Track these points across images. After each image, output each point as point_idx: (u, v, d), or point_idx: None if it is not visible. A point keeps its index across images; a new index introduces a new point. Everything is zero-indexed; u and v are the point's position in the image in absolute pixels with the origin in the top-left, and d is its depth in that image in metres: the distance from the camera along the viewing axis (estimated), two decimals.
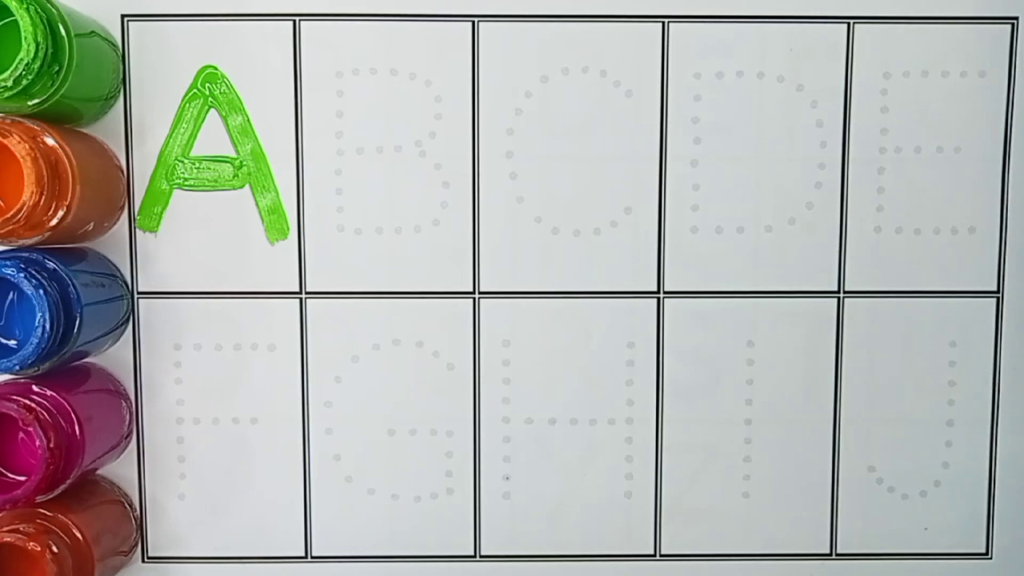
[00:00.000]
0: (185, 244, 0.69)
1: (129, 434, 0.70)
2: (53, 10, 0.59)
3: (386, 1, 0.68)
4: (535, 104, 0.69)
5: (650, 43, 0.69)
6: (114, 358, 0.71)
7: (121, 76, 0.68)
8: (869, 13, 0.69)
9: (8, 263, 0.60)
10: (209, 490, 0.72)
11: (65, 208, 0.61)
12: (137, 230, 0.70)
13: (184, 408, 0.71)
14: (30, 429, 0.60)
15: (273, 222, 0.69)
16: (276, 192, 0.69)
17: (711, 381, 0.71)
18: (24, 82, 0.58)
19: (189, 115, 0.69)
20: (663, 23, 0.69)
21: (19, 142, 0.58)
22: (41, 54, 0.57)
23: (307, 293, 0.70)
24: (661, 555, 0.72)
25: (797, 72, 0.70)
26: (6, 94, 0.58)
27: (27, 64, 0.57)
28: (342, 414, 0.71)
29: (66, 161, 0.61)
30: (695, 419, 0.72)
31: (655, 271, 0.70)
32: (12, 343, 0.63)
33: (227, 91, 0.69)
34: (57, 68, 0.59)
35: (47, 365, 0.63)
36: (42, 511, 0.64)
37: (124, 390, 0.70)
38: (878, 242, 0.71)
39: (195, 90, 0.69)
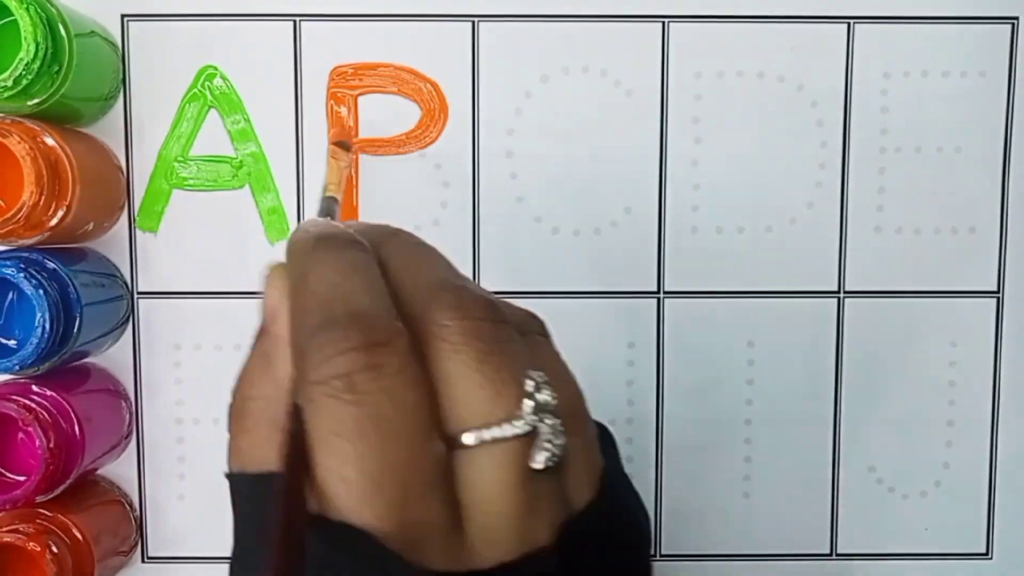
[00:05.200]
0: (185, 244, 0.70)
1: (129, 434, 0.71)
2: (53, 10, 0.59)
3: (386, 1, 0.69)
4: (535, 104, 0.69)
5: (650, 43, 0.69)
6: (114, 358, 0.71)
7: (121, 76, 0.68)
8: (869, 13, 0.69)
9: (8, 263, 0.60)
10: (209, 490, 0.71)
11: (65, 208, 0.61)
12: (137, 230, 0.70)
13: (184, 408, 0.71)
14: (30, 429, 0.61)
15: (273, 222, 0.69)
16: (276, 192, 0.69)
17: (711, 381, 0.71)
18: (24, 82, 0.58)
19: (189, 115, 0.69)
20: (663, 23, 0.69)
21: (19, 142, 0.58)
22: (41, 54, 0.57)
23: None
24: (661, 555, 0.72)
25: (797, 72, 0.70)
26: (6, 94, 0.58)
27: (27, 64, 0.57)
28: None
29: (66, 161, 0.61)
30: (695, 419, 0.71)
31: (655, 271, 0.70)
32: (12, 343, 0.63)
33: (227, 91, 0.69)
34: (57, 68, 0.60)
35: (47, 365, 0.63)
36: (42, 511, 0.64)
37: (124, 390, 0.70)
38: (878, 242, 0.71)
39: (195, 90, 0.69)
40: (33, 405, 0.62)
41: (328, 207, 0.56)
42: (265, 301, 0.39)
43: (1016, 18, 0.69)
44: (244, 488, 0.39)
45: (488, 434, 0.34)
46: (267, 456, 0.37)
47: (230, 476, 0.39)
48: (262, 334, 0.39)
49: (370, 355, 0.33)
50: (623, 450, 0.70)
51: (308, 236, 0.40)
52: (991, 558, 0.73)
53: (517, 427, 0.34)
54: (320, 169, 0.69)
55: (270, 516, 0.34)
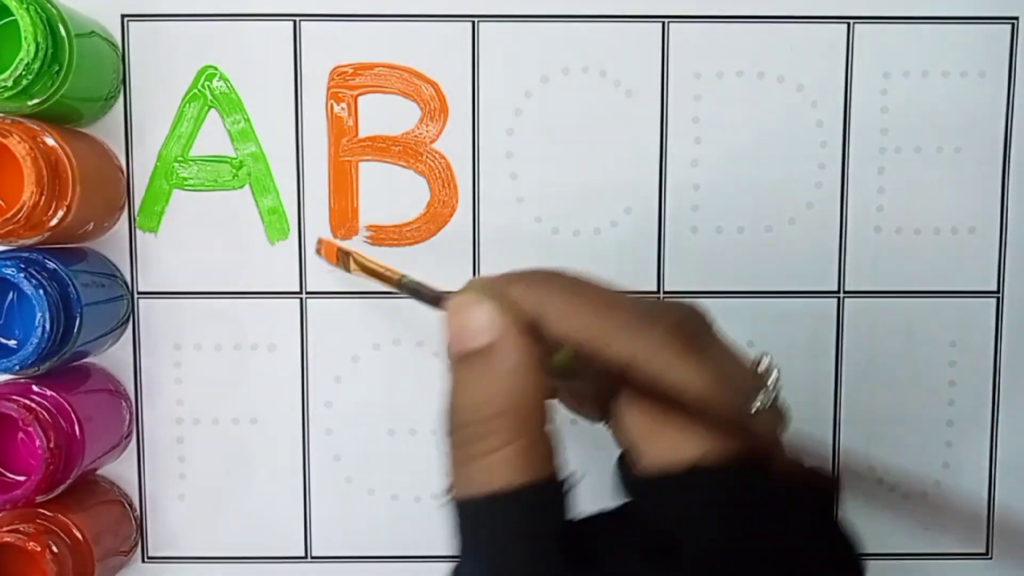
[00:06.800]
0: (185, 244, 0.69)
1: (129, 434, 0.70)
2: (53, 10, 0.59)
3: (386, 1, 0.68)
4: (535, 104, 0.69)
5: (650, 43, 0.69)
6: (114, 358, 0.70)
7: (121, 76, 0.68)
8: (869, 13, 0.69)
9: (8, 263, 0.60)
10: (209, 490, 0.71)
11: (65, 208, 0.61)
12: (137, 230, 0.69)
13: (184, 408, 0.71)
14: (30, 429, 0.60)
15: (273, 222, 0.69)
16: (276, 192, 0.69)
17: None
18: (24, 82, 0.58)
19: (189, 115, 0.68)
20: (663, 23, 0.69)
21: (19, 142, 0.58)
22: (41, 54, 0.57)
23: (307, 293, 0.70)
24: None
25: (797, 72, 0.70)
26: (6, 94, 0.58)
27: (27, 64, 0.57)
28: (342, 414, 0.71)
29: (66, 161, 0.61)
30: None
31: (655, 271, 0.70)
32: (12, 343, 0.62)
33: (227, 91, 0.69)
34: (57, 68, 0.59)
35: (47, 365, 0.63)
36: (42, 511, 0.64)
37: (124, 390, 0.70)
38: (878, 242, 0.71)
39: (195, 90, 0.68)
40: (33, 405, 0.62)
41: (413, 286, 0.57)
42: (468, 326, 0.44)
43: (1016, 18, 0.69)
44: (503, 507, 0.42)
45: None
46: (521, 470, 0.42)
47: (474, 500, 0.42)
48: (468, 357, 0.44)
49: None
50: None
51: (496, 276, 0.47)
52: (991, 558, 0.73)
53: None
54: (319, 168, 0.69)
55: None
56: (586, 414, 0.53)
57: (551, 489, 0.43)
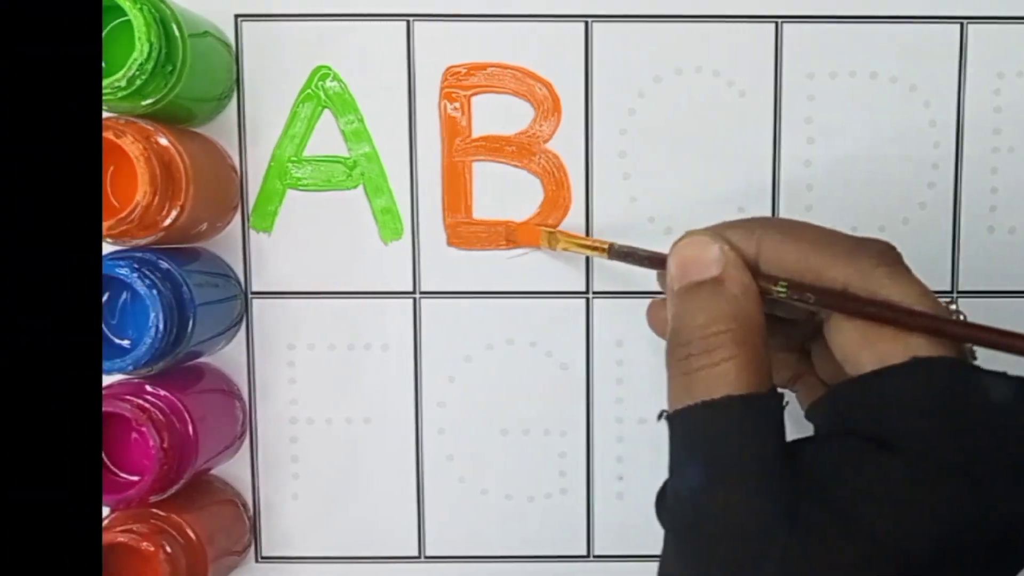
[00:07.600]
0: (299, 244, 0.65)
1: (242, 434, 0.66)
2: (167, 10, 0.54)
3: (499, 1, 0.64)
4: (648, 104, 0.64)
5: (763, 43, 0.64)
6: (227, 358, 0.66)
7: (234, 76, 0.64)
8: (982, 13, 0.64)
9: (122, 263, 0.56)
10: (322, 490, 0.67)
11: (178, 208, 0.57)
12: (251, 230, 0.65)
13: (297, 408, 0.67)
14: (143, 429, 0.57)
15: (387, 222, 0.65)
16: (390, 192, 0.65)
17: None
18: (137, 82, 0.53)
19: (303, 115, 0.64)
20: (776, 23, 0.64)
21: (133, 142, 0.53)
22: (154, 54, 0.53)
23: (421, 293, 0.65)
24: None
25: (910, 72, 0.64)
26: (120, 94, 0.53)
27: (140, 64, 0.52)
28: (455, 414, 0.67)
29: (179, 161, 0.56)
30: None
31: None
32: (126, 343, 0.58)
33: (341, 91, 0.64)
34: (170, 68, 0.55)
35: (160, 365, 0.58)
36: (155, 511, 0.60)
37: (237, 390, 0.66)
38: (991, 242, 0.65)
39: (308, 90, 0.64)
40: (147, 405, 0.57)
41: (625, 251, 0.57)
42: (698, 260, 0.47)
43: None
44: (727, 412, 0.44)
45: None
46: (747, 377, 0.44)
47: (695, 408, 0.44)
48: (698, 286, 0.47)
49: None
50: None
51: (712, 226, 0.50)
52: None
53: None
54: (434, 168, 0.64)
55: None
56: (780, 367, 0.55)
57: (770, 400, 0.44)
